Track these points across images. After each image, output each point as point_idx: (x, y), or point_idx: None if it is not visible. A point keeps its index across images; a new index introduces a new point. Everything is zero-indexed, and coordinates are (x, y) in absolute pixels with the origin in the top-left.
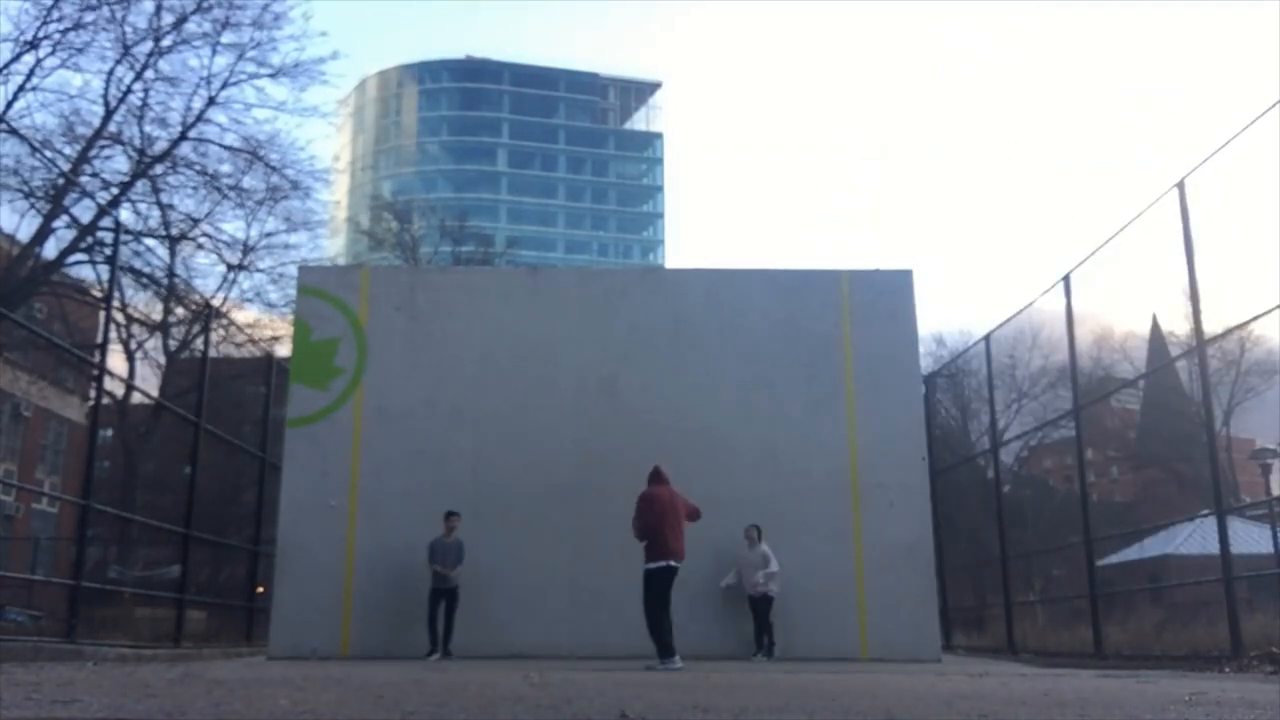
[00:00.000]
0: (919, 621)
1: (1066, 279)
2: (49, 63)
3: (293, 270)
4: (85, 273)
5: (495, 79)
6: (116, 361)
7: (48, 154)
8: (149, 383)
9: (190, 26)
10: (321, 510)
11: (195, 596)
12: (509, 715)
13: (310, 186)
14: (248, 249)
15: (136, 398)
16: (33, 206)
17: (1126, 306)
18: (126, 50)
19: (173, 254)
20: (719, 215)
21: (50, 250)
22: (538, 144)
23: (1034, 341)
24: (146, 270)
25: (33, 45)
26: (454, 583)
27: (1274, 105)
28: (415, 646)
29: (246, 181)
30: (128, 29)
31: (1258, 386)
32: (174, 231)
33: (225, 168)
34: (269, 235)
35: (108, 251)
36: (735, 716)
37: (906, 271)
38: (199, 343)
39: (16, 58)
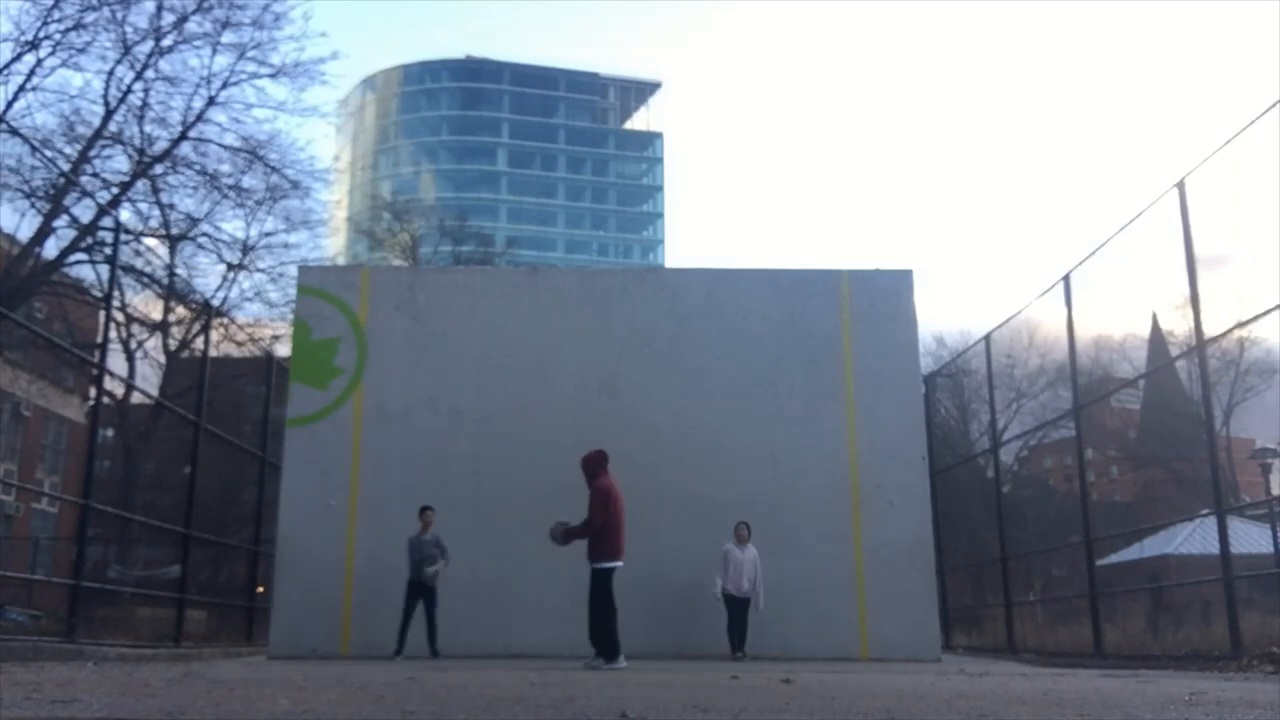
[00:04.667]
0: (919, 621)
1: (1066, 279)
2: (49, 63)
3: (293, 270)
4: (85, 273)
5: (495, 79)
6: (116, 361)
7: (48, 154)
8: (149, 383)
9: (191, 26)
10: (321, 510)
11: (195, 596)
12: (509, 715)
13: (310, 186)
14: (248, 249)
15: (136, 398)
16: (33, 206)
17: (1126, 306)
18: (127, 50)
19: (173, 254)
20: (719, 215)
21: (50, 250)
22: (538, 144)
23: (1032, 341)
24: (146, 270)
25: (33, 45)
26: (433, 580)
27: (1274, 105)
28: (416, 647)
29: (246, 181)
30: (128, 29)
31: (1257, 386)
32: (174, 231)
33: (225, 167)
34: (269, 235)
35: (108, 251)
36: (735, 716)
37: (906, 271)
38: (199, 343)
39: (17, 58)
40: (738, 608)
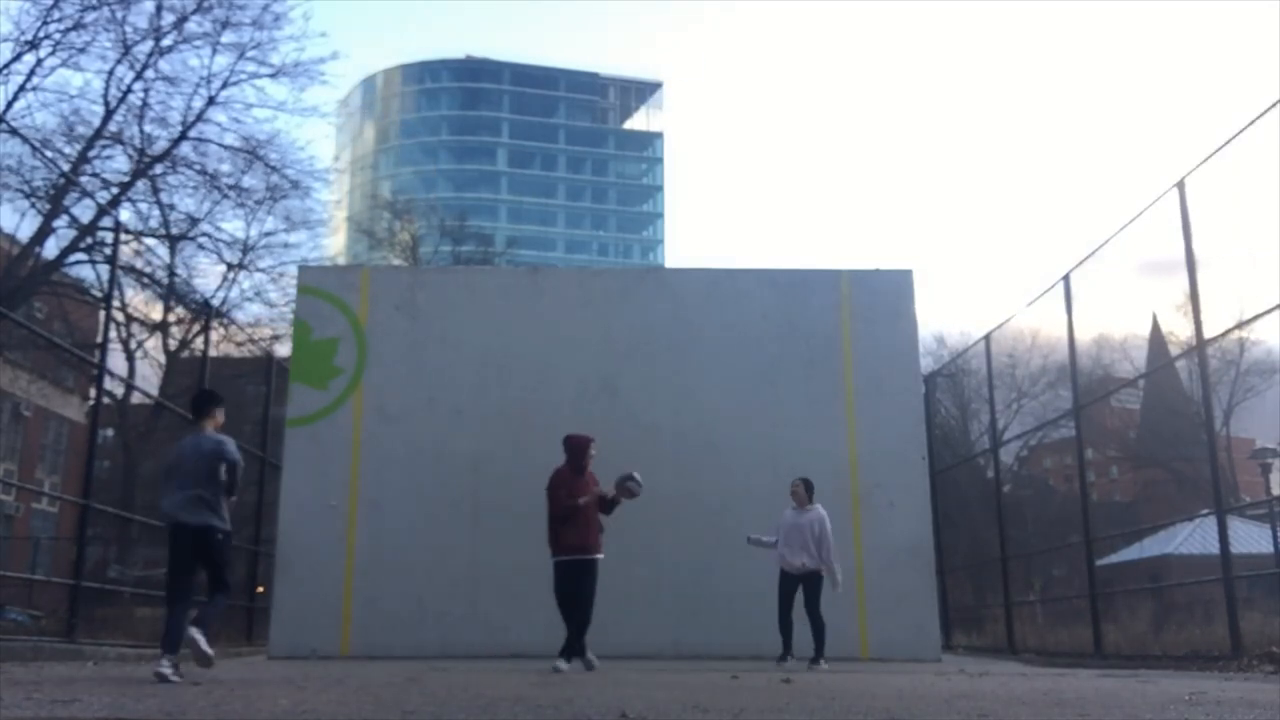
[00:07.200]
0: (919, 621)
1: (1066, 279)
2: (49, 63)
3: (293, 270)
4: (85, 273)
5: (495, 79)
6: (116, 361)
7: (48, 154)
8: (149, 383)
9: (190, 26)
10: (321, 510)
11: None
12: (509, 715)
13: (310, 186)
14: (248, 248)
15: (136, 398)
16: (33, 206)
17: (1126, 306)
18: (127, 50)
19: (173, 254)
20: (719, 215)
21: (50, 250)
22: (538, 144)
23: (1033, 341)
24: (146, 270)
25: (33, 45)
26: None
27: (1274, 105)
28: (416, 647)
29: (246, 181)
30: (128, 29)
31: (1257, 386)
32: (174, 231)
33: (225, 167)
34: (269, 235)
35: (108, 251)
36: (735, 716)
37: (907, 271)
38: (199, 343)
39: (17, 58)
40: (788, 587)
